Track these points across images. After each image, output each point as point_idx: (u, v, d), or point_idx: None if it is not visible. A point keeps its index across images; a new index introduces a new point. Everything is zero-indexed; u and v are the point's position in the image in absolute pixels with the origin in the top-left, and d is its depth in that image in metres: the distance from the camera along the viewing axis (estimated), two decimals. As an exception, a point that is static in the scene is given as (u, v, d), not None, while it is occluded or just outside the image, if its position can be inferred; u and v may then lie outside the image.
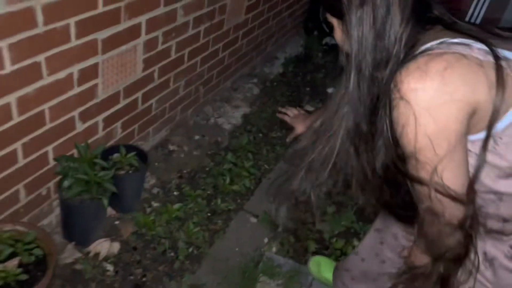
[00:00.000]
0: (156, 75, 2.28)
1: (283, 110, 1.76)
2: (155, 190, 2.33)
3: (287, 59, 4.01)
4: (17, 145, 1.58)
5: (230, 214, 2.31)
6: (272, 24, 3.65)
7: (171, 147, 2.63)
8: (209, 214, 2.27)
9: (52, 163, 1.79)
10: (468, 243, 0.89)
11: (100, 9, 1.67)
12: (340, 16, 0.94)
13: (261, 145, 2.83)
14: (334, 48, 4.17)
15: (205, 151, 2.68)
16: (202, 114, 2.98)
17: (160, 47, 2.20)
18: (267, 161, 2.70)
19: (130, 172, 2.04)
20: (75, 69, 1.69)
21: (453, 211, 0.87)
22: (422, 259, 0.98)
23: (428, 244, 0.95)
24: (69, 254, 1.89)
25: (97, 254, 1.92)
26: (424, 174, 0.85)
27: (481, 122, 0.85)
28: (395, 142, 0.88)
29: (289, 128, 1.70)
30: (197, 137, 2.77)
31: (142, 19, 1.96)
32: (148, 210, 2.19)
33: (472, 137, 0.88)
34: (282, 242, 2.21)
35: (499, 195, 0.94)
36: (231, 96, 3.25)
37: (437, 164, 0.83)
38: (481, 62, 0.83)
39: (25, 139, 1.60)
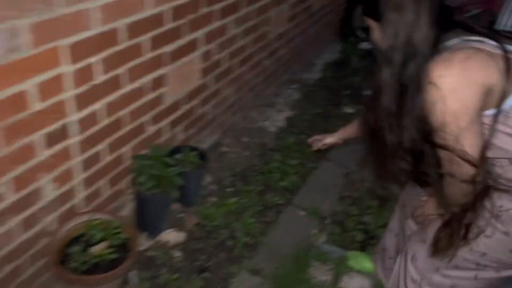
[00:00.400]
0: (211, 83, 2.53)
1: (316, 141, 1.96)
2: (212, 187, 2.57)
3: (325, 64, 4.20)
4: (103, 145, 1.85)
5: (281, 208, 2.51)
6: (310, 32, 3.86)
7: (224, 149, 2.87)
8: (261, 208, 2.48)
9: (128, 161, 2.06)
10: (481, 194, 1.13)
11: (166, 26, 1.94)
12: (378, 18, 1.15)
13: (305, 145, 3.01)
14: (370, 53, 4.33)
15: (254, 151, 2.90)
16: (250, 118, 3.21)
17: (214, 58, 2.45)
18: (311, 159, 2.88)
19: (193, 169, 2.28)
20: (147, 78, 1.96)
21: (468, 171, 1.09)
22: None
23: (446, 199, 1.19)
24: (143, 242, 2.15)
25: (166, 243, 2.16)
26: (448, 143, 1.07)
27: (493, 100, 1.07)
28: (424, 119, 1.09)
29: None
30: (246, 139, 3.00)
31: (200, 33, 2.22)
32: (208, 204, 2.42)
33: (487, 112, 1.10)
34: (330, 232, 2.38)
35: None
36: (274, 101, 3.47)
37: (459, 135, 1.05)
38: (492, 54, 1.06)
39: (109, 140, 1.87)
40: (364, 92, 3.89)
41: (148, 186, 2.02)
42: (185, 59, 2.18)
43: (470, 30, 1.14)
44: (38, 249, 1.71)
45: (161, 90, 2.09)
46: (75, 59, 1.52)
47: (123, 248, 1.82)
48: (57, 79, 1.48)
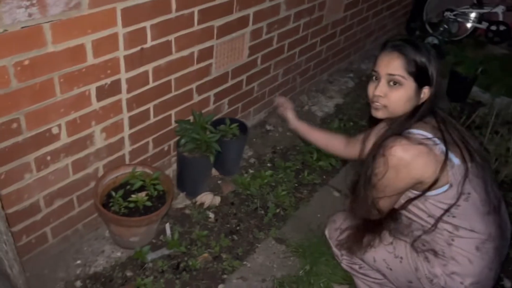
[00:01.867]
0: (259, 61, 2.65)
1: (279, 99, 2.07)
2: (251, 160, 2.70)
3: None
4: (150, 105, 2.04)
5: (316, 187, 2.57)
6: (371, 23, 3.83)
7: (268, 127, 2.98)
8: (296, 185, 2.56)
9: (173, 124, 2.24)
10: (381, 221, 1.56)
11: (217, 1, 2.08)
12: (422, 84, 1.41)
13: (350, 131, 3.04)
14: (435, 48, 4.20)
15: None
16: (298, 101, 3.28)
17: (264, 37, 2.56)
18: (354, 145, 2.90)
19: (233, 139, 2.42)
20: (195, 49, 2.12)
21: (376, 214, 1.51)
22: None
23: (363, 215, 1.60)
24: (181, 201, 2.33)
25: (202, 204, 2.33)
26: (374, 195, 1.46)
27: (422, 187, 1.40)
28: (370, 176, 1.44)
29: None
30: (292, 120, 3.09)
31: (251, 11, 2.34)
32: (245, 175, 2.55)
33: (414, 191, 1.44)
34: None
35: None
36: (326, 87, 3.51)
37: (381, 196, 1.44)
38: (436, 157, 1.36)
39: (156, 102, 2.06)
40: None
41: (189, 149, 2.19)
42: (234, 35, 2.32)
43: (438, 123, 1.42)
44: (86, 191, 1.94)
45: (209, 61, 2.25)
46: (129, 22, 1.71)
47: (160, 200, 2.00)
48: (111, 38, 1.68)
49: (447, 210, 1.41)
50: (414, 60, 1.37)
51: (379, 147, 1.41)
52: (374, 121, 1.64)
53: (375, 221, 1.55)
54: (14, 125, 1.52)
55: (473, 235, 1.43)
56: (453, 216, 1.42)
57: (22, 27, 1.38)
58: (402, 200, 1.49)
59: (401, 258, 1.54)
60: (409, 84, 1.38)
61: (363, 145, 1.65)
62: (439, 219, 1.43)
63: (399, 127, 1.43)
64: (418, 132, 1.40)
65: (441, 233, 1.45)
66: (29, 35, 1.42)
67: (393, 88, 1.40)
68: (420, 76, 1.38)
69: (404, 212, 1.53)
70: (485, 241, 1.44)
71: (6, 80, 1.42)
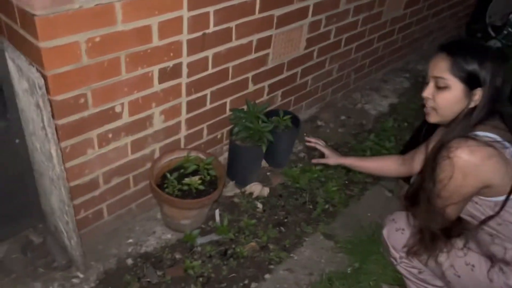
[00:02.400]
0: (315, 54, 2.62)
1: (312, 140, 2.00)
2: (301, 155, 2.67)
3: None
4: (208, 92, 2.06)
5: (367, 185, 2.50)
6: (431, 22, 3.70)
7: (319, 123, 2.94)
8: (346, 182, 2.51)
9: (228, 113, 2.25)
10: (449, 229, 1.45)
11: (279, -10, 2.07)
12: (472, 87, 1.32)
13: (404, 132, 2.94)
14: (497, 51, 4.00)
15: (349, 130, 2.92)
16: (350, 99, 3.22)
17: (322, 30, 2.53)
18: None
19: (285, 131, 2.40)
20: (254, 38, 2.12)
21: (443, 222, 1.43)
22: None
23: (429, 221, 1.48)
24: (231, 189, 2.34)
25: (251, 194, 2.33)
26: (439, 204, 1.38)
27: (491, 192, 1.34)
28: (434, 181, 1.36)
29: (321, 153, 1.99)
30: (343, 117, 3.03)
31: (311, 2, 2.31)
32: (295, 168, 2.53)
33: (483, 198, 1.37)
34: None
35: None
36: (380, 86, 3.43)
37: (447, 203, 1.36)
38: (505, 160, 1.30)
39: (213, 88, 2.08)
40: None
41: (241, 137, 2.20)
42: (292, 26, 2.30)
43: (507, 124, 1.35)
44: (142, 171, 1.99)
45: (266, 51, 2.24)
46: (194, 6, 1.74)
47: (212, 185, 2.02)
48: (176, 21, 1.71)
49: None
50: (462, 61, 1.31)
51: (440, 151, 1.34)
52: (427, 131, 1.59)
53: (446, 227, 1.46)
54: (82, 100, 1.57)
55: None
56: None
57: (96, 5, 1.43)
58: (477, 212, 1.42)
59: (473, 266, 1.45)
60: (457, 86, 1.33)
61: (423, 156, 1.54)
62: None
63: (459, 131, 1.34)
64: (485, 134, 1.33)
65: None
66: (102, 12, 1.46)
67: (440, 90, 1.36)
68: (469, 78, 1.31)
69: (469, 219, 1.46)
70: None
71: (78, 55, 1.47)
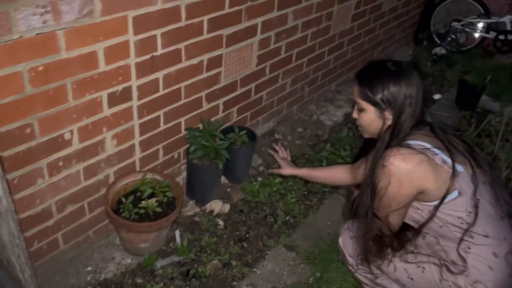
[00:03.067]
0: (267, 70, 2.68)
1: (277, 148, 2.11)
2: (261, 168, 2.70)
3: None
4: (160, 113, 2.07)
5: (325, 194, 2.56)
6: (379, 33, 3.86)
7: (277, 136, 3.00)
8: (305, 192, 2.56)
9: (183, 132, 2.26)
10: (391, 236, 1.51)
11: (226, 9, 2.12)
12: (378, 106, 1.44)
13: (358, 140, 3.03)
14: (444, 58, 4.21)
15: (306, 141, 2.99)
16: (306, 111, 3.30)
17: (272, 46, 2.60)
18: (364, 153, 2.89)
19: (242, 147, 2.43)
20: (205, 57, 2.15)
21: (386, 231, 1.49)
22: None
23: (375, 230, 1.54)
24: (190, 208, 2.34)
25: (211, 211, 2.33)
26: (381, 213, 1.46)
27: (428, 197, 1.40)
28: (374, 190, 1.44)
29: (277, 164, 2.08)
30: (300, 129, 3.10)
31: (259, 20, 2.37)
32: (254, 183, 2.56)
33: (422, 203, 1.44)
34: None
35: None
36: (334, 97, 3.53)
37: (388, 211, 1.44)
38: (437, 165, 1.37)
39: (166, 109, 2.09)
40: (433, 96, 3.81)
41: (198, 156, 2.21)
42: (242, 44, 2.35)
43: (434, 133, 1.45)
44: (97, 197, 1.96)
45: (218, 70, 2.27)
46: (140, 29, 1.75)
47: (170, 206, 2.01)
48: (123, 45, 1.72)
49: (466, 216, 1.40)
50: (366, 89, 1.44)
51: (374, 162, 1.44)
52: (367, 145, 1.70)
53: (391, 234, 1.52)
54: (28, 130, 1.55)
55: (489, 241, 1.42)
56: (467, 223, 1.41)
57: (37, 34, 1.42)
58: (416, 216, 1.49)
59: (423, 268, 1.51)
60: (370, 109, 1.46)
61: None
62: (463, 230, 1.42)
63: (387, 144, 1.44)
64: (416, 143, 1.42)
65: (460, 243, 1.44)
66: (43, 41, 1.45)
67: (360, 112, 1.51)
68: (375, 103, 1.44)
69: (414, 223, 1.53)
70: (501, 246, 1.42)
71: (20, 85, 1.45)
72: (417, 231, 1.51)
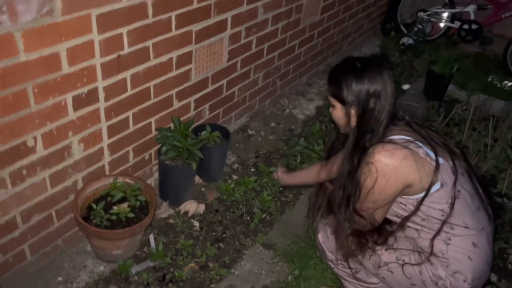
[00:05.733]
0: (239, 65, 2.63)
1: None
2: (235, 166, 2.66)
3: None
4: (129, 114, 1.98)
5: (300, 190, 2.55)
6: (348, 24, 3.86)
7: (250, 132, 2.96)
8: (281, 189, 2.54)
9: (154, 132, 2.19)
10: (375, 230, 1.55)
11: (195, 5, 2.05)
12: (343, 103, 1.46)
13: (331, 134, 3.04)
14: (411, 48, 4.27)
15: (279, 136, 2.97)
16: (278, 105, 3.27)
17: (242, 41, 2.54)
18: (337, 146, 2.90)
19: (215, 146, 2.38)
20: (174, 54, 2.08)
21: (369, 226, 1.53)
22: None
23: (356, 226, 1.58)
24: (164, 210, 2.27)
25: (186, 212, 2.28)
26: (364, 210, 1.48)
27: (412, 191, 1.42)
28: (357, 186, 1.46)
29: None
30: (273, 124, 3.07)
31: (228, 15, 2.31)
32: (229, 181, 2.52)
33: (406, 197, 1.45)
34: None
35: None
36: (306, 90, 3.51)
37: (374, 207, 1.46)
38: (421, 158, 1.39)
39: (135, 110, 2.01)
40: (402, 86, 3.85)
41: (170, 157, 2.14)
42: (212, 39, 2.28)
43: (411, 126, 1.48)
44: (65, 204, 1.87)
45: (188, 67, 2.21)
46: (104, 28, 1.66)
47: (143, 210, 1.95)
48: (87, 45, 1.63)
49: (450, 207, 1.43)
50: (332, 87, 1.50)
51: (350, 159, 1.47)
52: (338, 141, 1.75)
53: (375, 227, 1.54)
54: (-14, 139, 1.45)
55: (468, 232, 1.44)
56: (449, 216, 1.42)
57: (-8, 36, 1.32)
58: (400, 210, 1.50)
59: (403, 260, 1.52)
60: (337, 105, 1.50)
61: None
62: (442, 222, 1.44)
63: (355, 141, 1.48)
64: (399, 137, 1.43)
65: (438, 234, 1.45)
66: (0, 43, 1.35)
67: (332, 108, 1.55)
68: (340, 100, 1.48)
69: (396, 219, 1.53)
70: (479, 236, 1.45)
71: (-24, 91, 1.35)
72: (400, 225, 1.51)
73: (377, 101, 1.42)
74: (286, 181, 2.09)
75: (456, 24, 4.36)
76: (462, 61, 3.90)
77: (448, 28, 4.47)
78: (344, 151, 1.54)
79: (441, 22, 4.47)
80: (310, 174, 1.93)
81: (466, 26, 4.31)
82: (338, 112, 1.51)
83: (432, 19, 4.43)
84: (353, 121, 1.48)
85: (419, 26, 4.42)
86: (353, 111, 1.46)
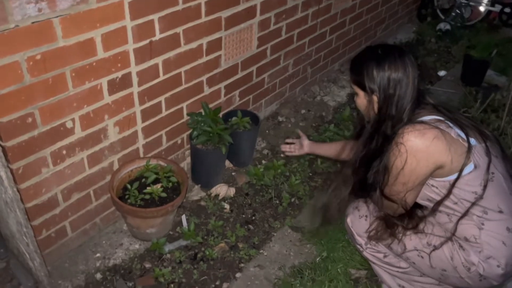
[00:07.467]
0: (268, 52, 2.65)
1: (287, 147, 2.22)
2: (265, 152, 2.70)
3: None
4: (162, 98, 2.06)
5: (330, 175, 2.56)
6: (381, 10, 3.79)
7: (280, 118, 2.98)
8: (310, 174, 2.56)
9: (185, 117, 2.26)
10: (405, 215, 1.54)
11: (224, -8, 2.09)
12: (365, 90, 1.46)
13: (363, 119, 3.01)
14: (448, 34, 4.14)
15: (310, 123, 2.98)
16: (309, 92, 3.28)
17: (272, 27, 2.56)
18: (368, 133, 2.87)
19: (245, 131, 2.43)
20: (204, 41, 2.13)
21: (400, 210, 1.51)
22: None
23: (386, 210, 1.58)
24: (196, 193, 2.35)
25: (217, 195, 2.34)
26: (394, 193, 1.46)
27: (444, 172, 1.40)
28: (385, 168, 1.45)
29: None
30: (303, 111, 3.08)
31: (258, 1, 2.34)
32: (259, 166, 2.56)
33: (438, 179, 1.43)
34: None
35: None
36: (338, 77, 3.49)
37: (405, 189, 1.43)
38: (452, 139, 1.38)
39: (167, 95, 2.08)
40: (437, 72, 3.76)
41: (201, 141, 2.21)
42: (242, 26, 2.32)
43: (438, 110, 1.47)
44: (102, 185, 1.98)
45: (218, 53, 2.26)
46: (136, 15, 1.74)
47: (175, 191, 2.02)
48: (120, 31, 1.71)
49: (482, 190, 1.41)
50: (354, 74, 1.51)
51: (372, 141, 1.48)
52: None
53: (405, 212, 1.52)
54: (29, 120, 1.55)
55: (502, 217, 1.41)
56: (481, 198, 1.40)
57: (33, 22, 1.41)
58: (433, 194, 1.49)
59: (434, 246, 1.51)
60: (360, 93, 1.51)
61: None
62: (471, 204, 1.41)
63: (376, 127, 1.48)
64: (430, 117, 1.41)
65: (471, 218, 1.43)
66: (40, 30, 1.45)
67: (356, 96, 1.56)
68: (362, 87, 1.48)
69: (428, 203, 1.52)
70: None
71: (19, 75, 1.45)
72: (432, 209, 1.49)
73: (398, 87, 1.42)
74: (308, 149, 2.11)
75: (497, 8, 4.19)
76: (503, 46, 3.75)
77: (488, 12, 4.30)
78: (362, 137, 1.54)
79: (481, 5, 4.31)
80: (332, 149, 1.96)
81: (508, 10, 4.14)
82: (361, 99, 1.51)
83: (471, 3, 4.28)
84: (376, 108, 1.48)
85: (457, 11, 4.28)
86: (375, 98, 1.46)
